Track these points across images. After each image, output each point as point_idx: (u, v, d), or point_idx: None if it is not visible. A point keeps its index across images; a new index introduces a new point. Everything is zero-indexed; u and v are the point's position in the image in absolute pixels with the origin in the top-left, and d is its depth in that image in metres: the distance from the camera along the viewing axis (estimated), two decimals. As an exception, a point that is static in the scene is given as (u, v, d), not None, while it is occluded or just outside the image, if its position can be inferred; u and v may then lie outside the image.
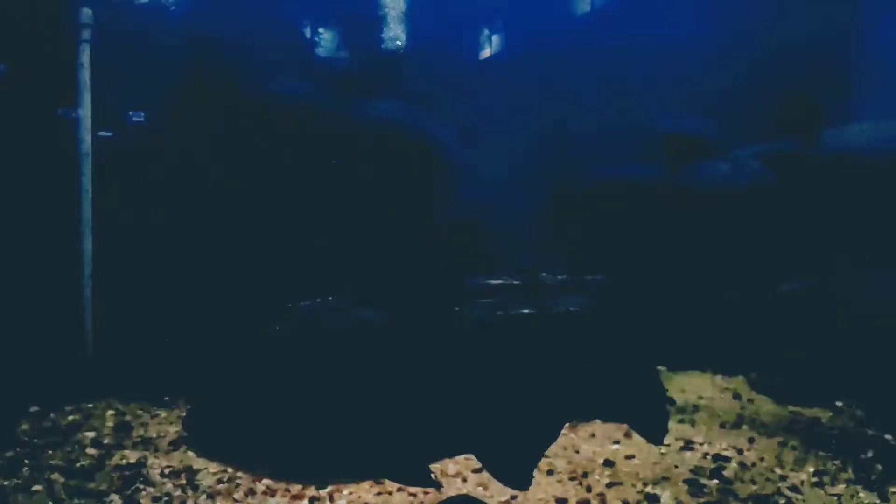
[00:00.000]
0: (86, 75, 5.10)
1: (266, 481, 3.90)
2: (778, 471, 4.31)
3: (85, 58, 5.10)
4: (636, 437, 4.71)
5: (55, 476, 4.02)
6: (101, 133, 5.24)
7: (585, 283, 5.42)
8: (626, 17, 6.99)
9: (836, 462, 4.44)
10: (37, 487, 3.90)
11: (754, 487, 4.08)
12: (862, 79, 5.99)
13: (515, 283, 6.01)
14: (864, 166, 4.67)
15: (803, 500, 3.95)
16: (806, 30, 6.12)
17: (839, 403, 5.38)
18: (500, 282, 5.86)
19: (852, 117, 4.93)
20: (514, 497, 3.90)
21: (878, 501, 3.97)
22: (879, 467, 4.37)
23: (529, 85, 6.74)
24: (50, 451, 4.31)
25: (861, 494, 4.04)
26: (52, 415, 4.80)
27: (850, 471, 4.33)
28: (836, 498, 4.00)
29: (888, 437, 4.85)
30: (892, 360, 5.37)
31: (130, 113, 5.56)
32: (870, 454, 4.56)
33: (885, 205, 4.65)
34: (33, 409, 4.87)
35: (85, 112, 5.14)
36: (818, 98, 5.27)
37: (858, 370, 5.49)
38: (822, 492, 4.07)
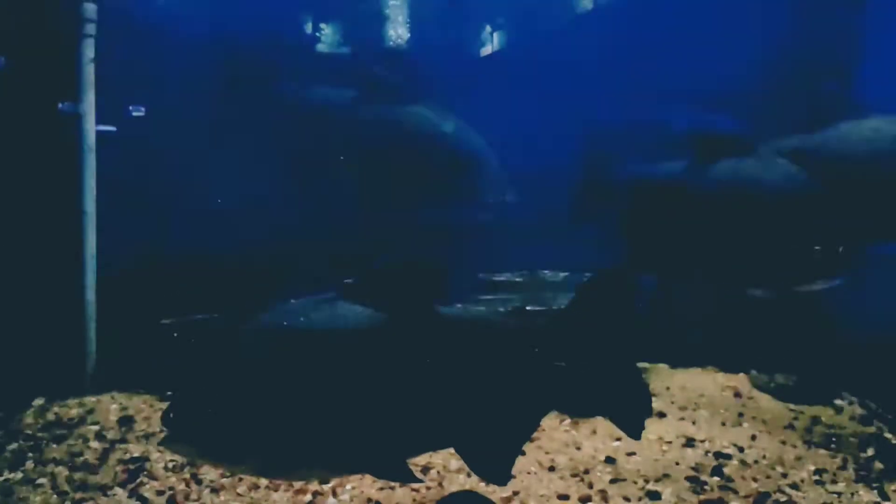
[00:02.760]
0: (90, 70, 5.10)
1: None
2: (779, 468, 4.33)
3: (89, 52, 5.10)
4: (638, 434, 4.74)
5: (59, 469, 4.04)
6: (101, 128, 5.23)
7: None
8: (632, 13, 6.98)
9: (836, 460, 4.46)
10: (41, 481, 3.92)
11: (755, 485, 4.10)
12: (874, 72, 5.99)
13: (517, 280, 6.06)
14: (879, 161, 4.66)
15: (804, 498, 3.98)
16: (817, 23, 6.12)
17: (839, 402, 5.40)
18: (503, 278, 5.92)
19: (868, 111, 4.91)
20: (516, 493, 3.92)
21: (878, 500, 3.99)
22: (880, 466, 4.39)
23: (539, 82, 6.75)
24: (53, 445, 4.33)
25: (861, 493, 4.06)
26: (55, 408, 4.81)
27: (851, 469, 4.35)
28: (836, 496, 4.02)
29: (888, 435, 4.87)
30: (891, 359, 5.38)
31: (130, 107, 5.55)
32: (870, 452, 4.58)
33: None
34: (36, 402, 4.88)
35: (88, 107, 5.14)
36: (832, 92, 5.25)
37: (859, 368, 5.50)
38: (822, 490, 4.09)
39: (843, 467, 4.37)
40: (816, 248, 4.22)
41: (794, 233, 4.33)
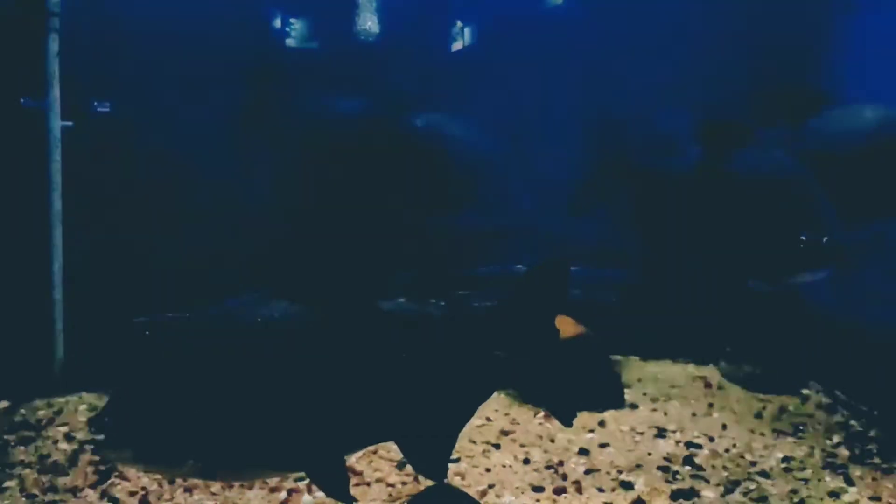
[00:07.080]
0: (55, 64, 5.00)
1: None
2: (748, 457, 4.41)
3: (54, 46, 5.00)
4: (611, 426, 4.81)
5: (27, 472, 3.96)
6: (62, 123, 5.13)
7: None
8: (604, 9, 7.02)
9: (803, 448, 4.56)
10: (8, 484, 3.84)
11: (725, 473, 4.18)
12: (844, 62, 6.11)
13: (493, 275, 6.10)
14: (854, 151, 4.76)
15: (772, 485, 4.06)
16: (788, 14, 6.22)
17: (806, 391, 5.52)
18: (485, 273, 5.96)
19: (838, 101, 5.00)
20: (491, 486, 3.94)
21: (843, 485, 4.09)
22: (846, 453, 4.50)
23: (519, 77, 6.76)
24: (21, 447, 4.24)
25: (827, 479, 4.16)
26: (22, 410, 4.72)
27: (818, 456, 4.45)
28: (804, 482, 4.11)
29: (853, 423, 4.99)
30: (856, 349, 5.51)
31: (95, 103, 5.45)
32: (836, 440, 4.69)
33: (877, 186, 4.72)
34: (2, 404, 4.78)
35: (54, 102, 5.04)
36: (806, 83, 5.35)
37: (824, 358, 5.62)
38: (790, 477, 4.18)
39: (811, 455, 4.47)
40: (802, 238, 4.27)
41: (792, 223, 4.38)
